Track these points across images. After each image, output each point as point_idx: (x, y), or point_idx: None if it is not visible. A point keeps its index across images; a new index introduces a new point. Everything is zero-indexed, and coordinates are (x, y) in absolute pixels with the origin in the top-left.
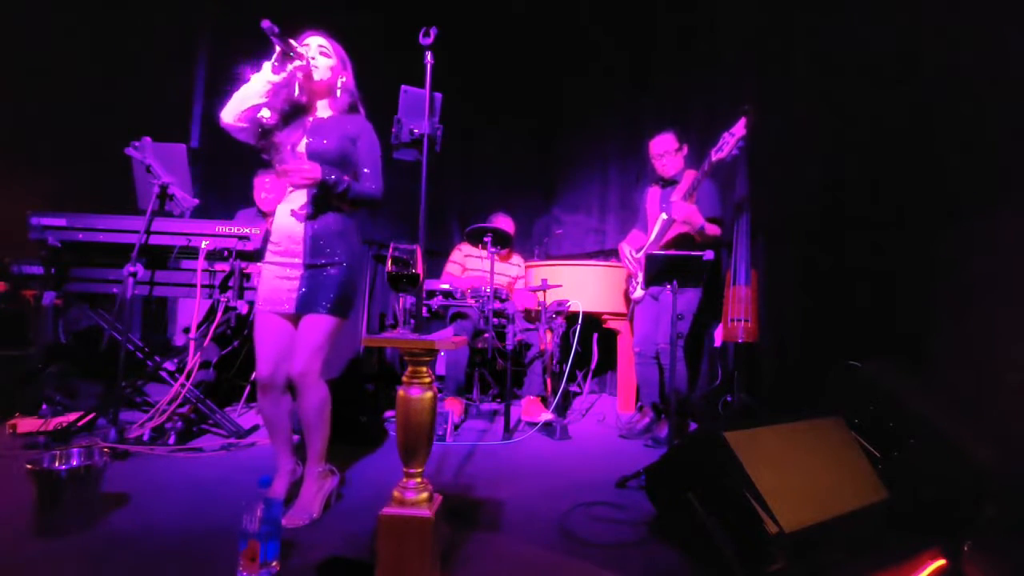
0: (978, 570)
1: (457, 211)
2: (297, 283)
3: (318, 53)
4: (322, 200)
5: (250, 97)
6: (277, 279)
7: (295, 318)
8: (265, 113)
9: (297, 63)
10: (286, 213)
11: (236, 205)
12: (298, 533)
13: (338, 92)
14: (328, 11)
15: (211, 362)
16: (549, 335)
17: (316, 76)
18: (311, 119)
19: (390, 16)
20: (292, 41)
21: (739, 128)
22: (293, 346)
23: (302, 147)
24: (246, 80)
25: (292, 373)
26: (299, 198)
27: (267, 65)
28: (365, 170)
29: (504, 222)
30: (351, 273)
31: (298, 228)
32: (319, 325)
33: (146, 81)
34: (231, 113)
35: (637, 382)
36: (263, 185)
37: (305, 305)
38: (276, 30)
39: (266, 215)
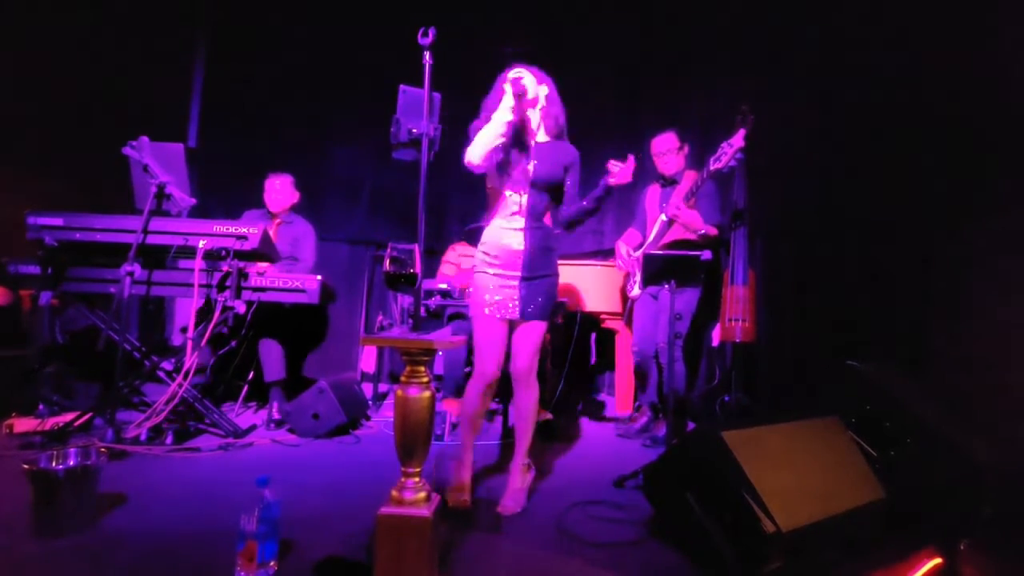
0: (974, 569)
1: (457, 211)
2: (516, 292)
3: (534, 84)
4: (537, 219)
5: (492, 139)
6: (500, 288)
7: (512, 323)
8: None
9: (528, 100)
10: (503, 228)
11: (234, 205)
12: (297, 533)
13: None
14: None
15: (207, 367)
16: (548, 335)
17: (538, 107)
18: (534, 143)
19: (389, 16)
20: (528, 84)
21: (737, 139)
22: (513, 347)
23: (531, 169)
24: (482, 124)
25: (518, 369)
26: (515, 216)
27: (505, 109)
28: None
29: None
30: (556, 284)
31: (517, 243)
32: (539, 330)
33: (145, 81)
34: (479, 155)
35: (635, 382)
36: (274, 187)
37: (527, 313)
38: (524, 90)
39: (274, 216)
